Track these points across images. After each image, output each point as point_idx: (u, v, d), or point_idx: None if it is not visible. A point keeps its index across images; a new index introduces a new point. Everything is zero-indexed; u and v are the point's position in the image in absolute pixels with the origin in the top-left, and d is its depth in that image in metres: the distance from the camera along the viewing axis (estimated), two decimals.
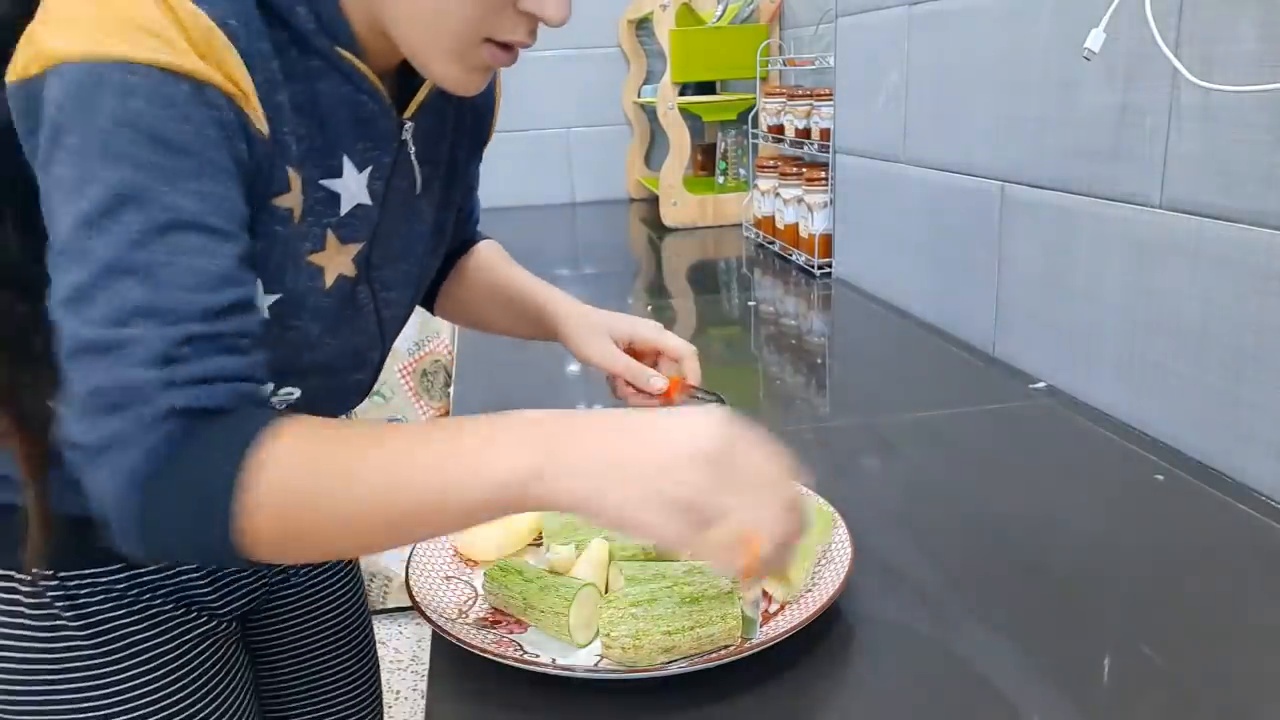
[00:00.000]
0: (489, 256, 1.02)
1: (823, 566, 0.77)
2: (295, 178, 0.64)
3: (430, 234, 0.80)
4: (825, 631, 0.72)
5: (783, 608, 0.73)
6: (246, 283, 0.57)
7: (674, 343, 0.94)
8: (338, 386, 0.79)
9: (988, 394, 1.25)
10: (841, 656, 0.71)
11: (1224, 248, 0.95)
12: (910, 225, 1.62)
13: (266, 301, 0.64)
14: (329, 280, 0.69)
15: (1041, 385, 1.25)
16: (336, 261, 0.69)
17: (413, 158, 0.73)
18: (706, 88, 2.76)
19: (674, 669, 0.67)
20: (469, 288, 1.01)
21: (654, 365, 0.94)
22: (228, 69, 0.56)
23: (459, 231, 0.96)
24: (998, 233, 1.34)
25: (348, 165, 0.67)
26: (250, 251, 0.59)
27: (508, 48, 0.65)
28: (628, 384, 0.93)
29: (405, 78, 0.71)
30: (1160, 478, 0.98)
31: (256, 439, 0.52)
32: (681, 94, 2.61)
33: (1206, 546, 0.86)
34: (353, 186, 0.68)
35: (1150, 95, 1.03)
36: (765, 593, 0.75)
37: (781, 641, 0.68)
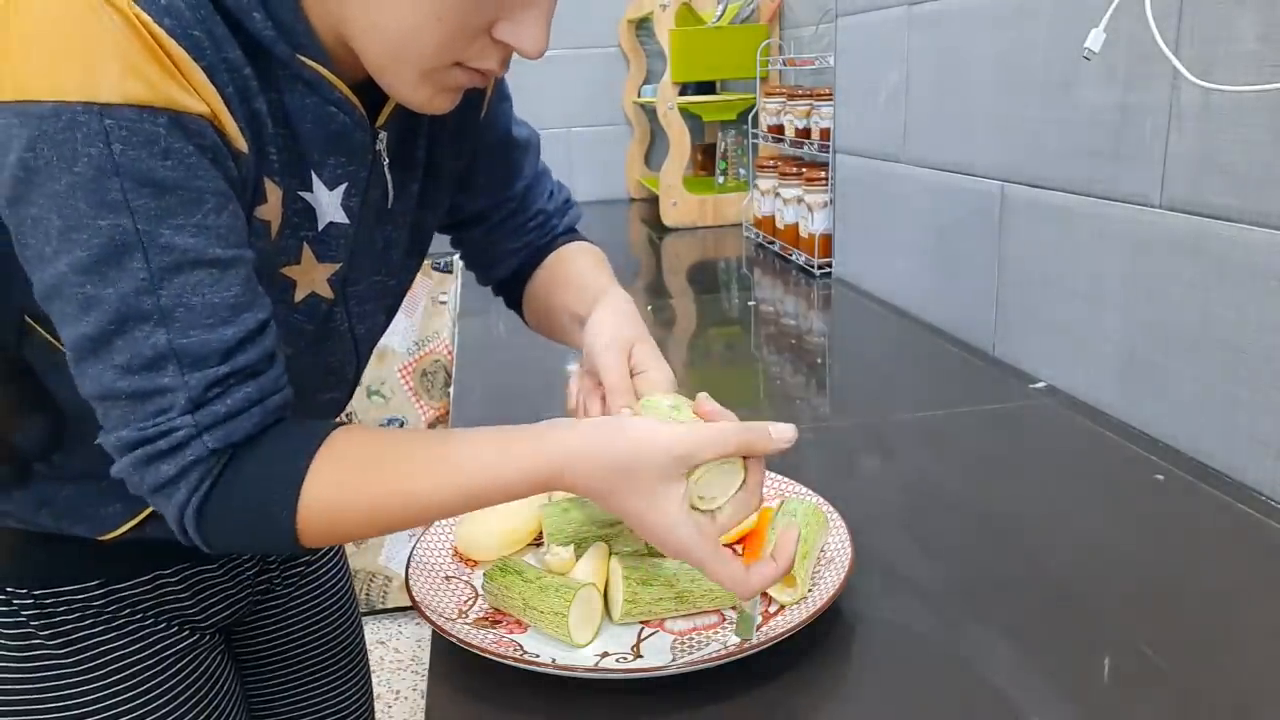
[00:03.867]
0: (563, 258, 0.91)
1: (823, 566, 0.77)
2: (274, 189, 0.62)
3: (407, 238, 0.77)
4: (825, 631, 0.72)
5: (783, 608, 0.73)
6: (257, 303, 0.59)
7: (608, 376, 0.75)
8: (312, 405, 0.77)
9: (988, 394, 1.25)
10: (841, 656, 0.71)
11: (1224, 248, 0.95)
12: (910, 225, 1.62)
13: None
14: (298, 295, 0.67)
15: (1041, 385, 1.25)
16: (310, 277, 0.68)
17: (385, 170, 0.71)
18: (706, 88, 2.76)
19: (674, 669, 0.67)
20: (530, 300, 0.93)
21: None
22: (196, 86, 0.54)
23: (529, 229, 0.90)
24: (998, 233, 1.34)
25: (317, 183, 0.65)
26: (258, 261, 0.60)
27: (479, 71, 0.63)
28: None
29: (375, 85, 0.68)
30: (1160, 478, 0.98)
31: (304, 460, 0.59)
32: (681, 94, 2.61)
33: (1206, 546, 0.86)
34: (325, 204, 0.66)
35: (1150, 95, 1.03)
36: (764, 592, 0.75)
37: (781, 641, 0.68)
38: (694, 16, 2.65)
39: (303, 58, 0.61)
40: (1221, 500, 0.93)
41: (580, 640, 0.70)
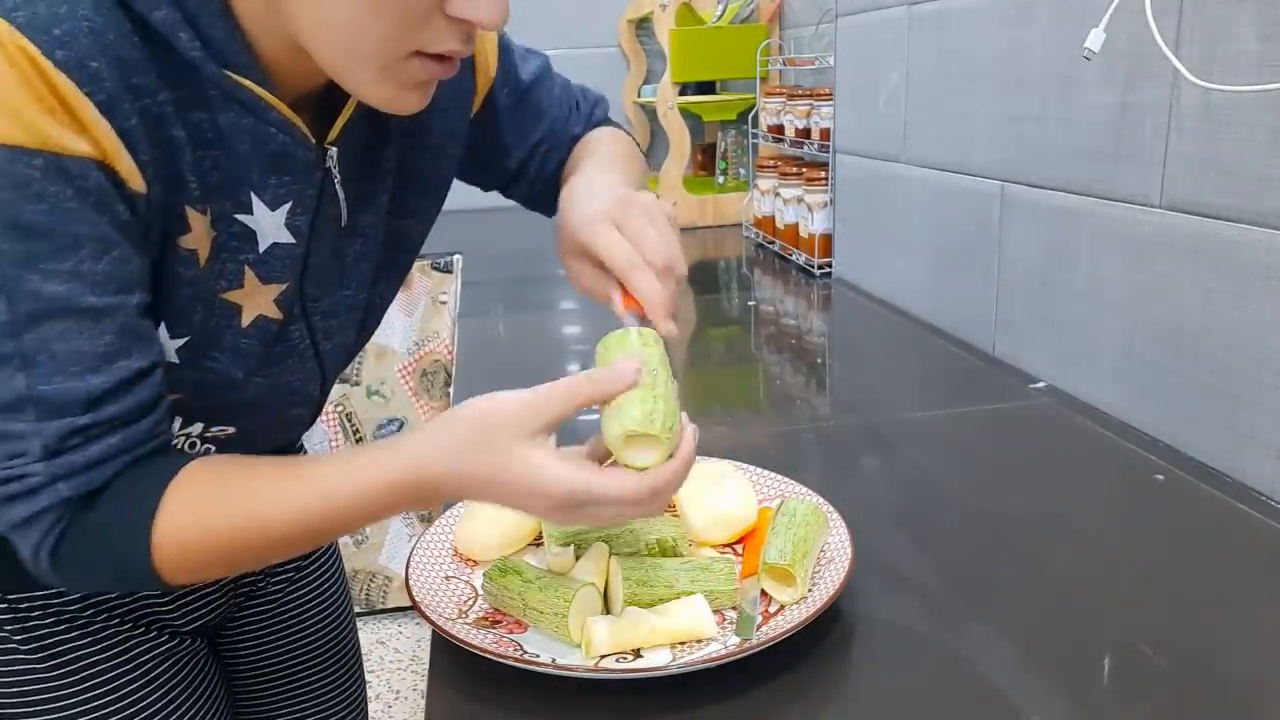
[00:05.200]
0: (574, 153, 0.87)
1: (823, 566, 0.77)
2: (198, 217, 0.60)
3: (380, 250, 0.75)
4: (825, 631, 0.72)
5: (783, 608, 0.73)
6: (136, 351, 0.57)
7: (599, 244, 0.69)
8: (275, 423, 0.76)
9: (988, 394, 1.25)
10: (841, 656, 0.71)
11: (1224, 248, 0.95)
12: (910, 225, 1.62)
13: (174, 345, 0.62)
14: (245, 319, 0.65)
15: (1041, 385, 1.25)
16: (255, 300, 0.65)
17: (337, 185, 0.68)
18: (706, 87, 2.75)
19: (674, 669, 0.67)
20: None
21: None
22: (84, 124, 0.52)
23: (561, 153, 0.87)
24: (998, 233, 1.34)
25: (257, 204, 0.63)
26: (140, 311, 0.58)
27: (442, 59, 0.59)
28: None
29: (329, 97, 0.65)
30: (1160, 478, 0.98)
31: (152, 501, 0.57)
32: (681, 94, 2.61)
33: (1206, 546, 0.86)
34: (267, 225, 0.64)
35: (1150, 95, 1.03)
36: (764, 592, 0.75)
37: (781, 641, 0.68)
38: (694, 16, 2.65)
39: (235, 76, 0.58)
40: (1221, 500, 0.93)
41: (580, 640, 0.70)
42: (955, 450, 1.09)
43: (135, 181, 0.55)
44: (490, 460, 0.58)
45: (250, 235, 0.64)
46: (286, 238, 0.65)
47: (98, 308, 0.54)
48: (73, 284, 0.53)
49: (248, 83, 0.58)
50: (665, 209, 0.70)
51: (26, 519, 0.56)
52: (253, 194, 0.62)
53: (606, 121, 0.91)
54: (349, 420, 2.29)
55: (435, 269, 2.27)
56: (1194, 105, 0.97)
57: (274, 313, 0.67)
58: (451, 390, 1.98)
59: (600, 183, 0.75)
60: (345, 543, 2.33)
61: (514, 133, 0.85)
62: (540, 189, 0.89)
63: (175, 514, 0.57)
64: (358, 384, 2.26)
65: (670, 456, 0.60)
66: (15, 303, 0.52)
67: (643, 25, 2.94)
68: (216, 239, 0.62)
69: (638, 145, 0.92)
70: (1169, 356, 1.04)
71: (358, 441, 2.26)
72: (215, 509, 0.58)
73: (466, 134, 0.81)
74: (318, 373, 0.75)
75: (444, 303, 2.30)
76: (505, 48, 0.83)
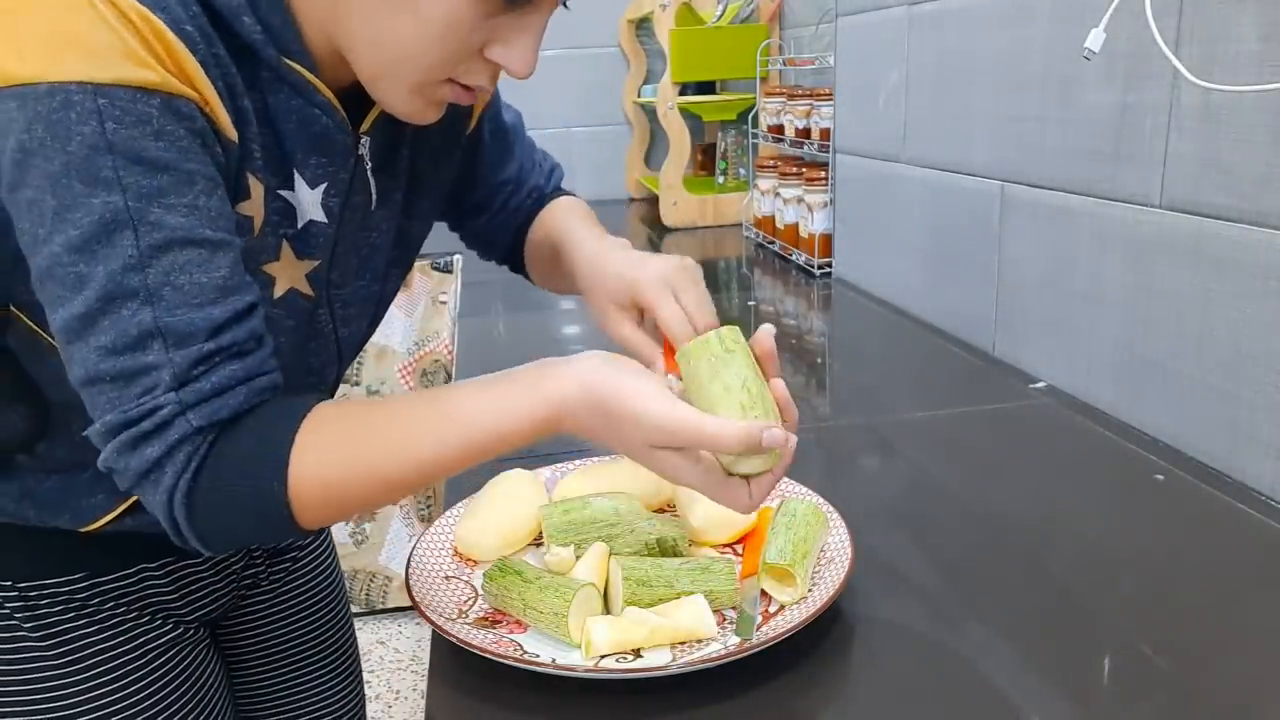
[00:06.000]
0: (550, 212, 0.94)
1: (823, 566, 0.77)
2: (257, 186, 0.63)
3: (391, 246, 0.78)
4: (825, 631, 0.72)
5: (783, 608, 0.73)
6: (245, 287, 0.59)
7: (663, 312, 0.75)
8: None
9: (988, 394, 1.25)
10: (841, 656, 0.71)
11: (1224, 248, 0.95)
12: (910, 225, 1.62)
13: None
14: (278, 291, 0.68)
15: (1041, 385, 1.25)
16: (289, 273, 0.68)
17: (368, 173, 0.71)
18: (706, 87, 2.76)
19: (674, 669, 0.67)
20: (530, 249, 0.96)
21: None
22: (190, 76, 0.55)
23: (527, 205, 0.94)
24: (998, 233, 1.34)
25: (299, 181, 0.66)
26: (241, 254, 0.60)
27: (468, 88, 0.65)
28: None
29: (360, 91, 0.69)
30: (1160, 478, 0.98)
31: (289, 433, 0.58)
32: (681, 94, 2.61)
33: (1206, 546, 0.86)
34: (306, 202, 0.67)
35: (1150, 95, 1.03)
36: (764, 592, 0.75)
37: (781, 641, 0.68)
38: (694, 16, 2.65)
39: (289, 61, 0.62)
40: (1221, 500, 0.93)
41: (580, 640, 0.70)
42: (955, 450, 1.09)
43: (229, 131, 0.59)
44: (621, 447, 0.62)
45: (290, 211, 0.66)
46: (321, 216, 0.68)
47: (213, 240, 0.57)
48: (191, 217, 0.56)
49: (299, 68, 0.62)
50: (700, 272, 0.77)
51: (159, 458, 0.56)
52: (295, 171, 0.66)
53: (561, 191, 0.98)
54: None
55: (435, 269, 2.27)
56: (1194, 105, 0.97)
57: (306, 289, 0.70)
58: None
59: (629, 249, 0.82)
60: (345, 542, 2.33)
61: (486, 166, 0.91)
62: (494, 228, 0.95)
63: (312, 452, 0.58)
64: (358, 384, 2.26)
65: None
66: (141, 236, 0.54)
67: (643, 25, 2.94)
68: (264, 212, 0.65)
69: None
70: (1169, 356, 1.04)
71: None
72: (354, 446, 0.60)
73: (458, 151, 0.85)
74: (335, 357, 0.77)
75: (444, 303, 2.30)
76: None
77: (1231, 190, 0.94)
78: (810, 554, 0.76)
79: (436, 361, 2.35)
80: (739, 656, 0.67)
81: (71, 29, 0.52)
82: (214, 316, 0.56)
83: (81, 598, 0.75)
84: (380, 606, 2.44)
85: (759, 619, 0.72)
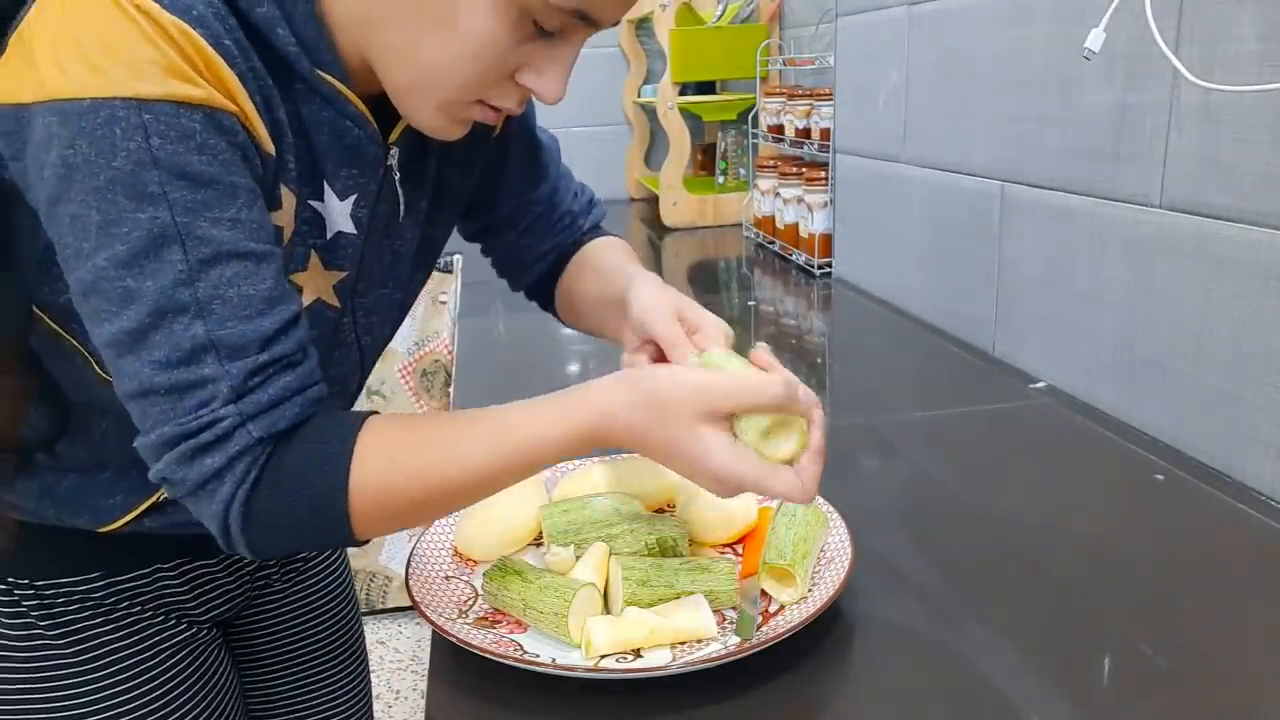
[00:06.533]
0: (594, 251, 0.92)
1: (823, 566, 0.77)
2: (289, 196, 0.63)
3: (415, 253, 0.78)
4: (825, 631, 0.72)
5: (783, 608, 0.73)
6: (289, 297, 0.59)
7: (659, 329, 0.75)
8: None
9: (988, 394, 1.25)
10: (841, 656, 0.71)
11: (1224, 248, 0.95)
12: (910, 225, 1.62)
13: None
14: (305, 300, 0.68)
15: (1041, 385, 1.25)
16: (316, 283, 0.68)
17: (396, 184, 0.71)
18: (706, 87, 2.76)
19: (674, 669, 0.67)
20: (563, 297, 0.93)
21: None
22: (229, 90, 0.56)
23: (558, 230, 0.92)
24: (998, 233, 1.34)
25: (329, 193, 0.66)
26: (284, 264, 0.60)
27: (495, 109, 0.65)
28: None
29: (389, 101, 0.69)
30: (1160, 478, 0.98)
31: (348, 442, 0.59)
32: (681, 94, 2.61)
33: (1206, 546, 0.86)
34: (335, 214, 0.67)
35: (1150, 95, 1.03)
36: (764, 592, 0.75)
37: (781, 641, 0.68)
38: (694, 16, 2.65)
39: (322, 73, 0.62)
40: (1221, 500, 0.93)
41: (580, 640, 0.70)
42: (955, 450, 1.09)
43: (267, 144, 0.59)
44: (666, 435, 0.62)
45: (320, 221, 0.66)
46: (350, 227, 0.68)
47: (258, 252, 0.57)
48: (236, 230, 0.56)
49: (332, 79, 0.62)
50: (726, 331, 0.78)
51: (220, 469, 0.56)
52: (325, 182, 0.65)
53: (602, 230, 0.96)
54: None
55: (436, 269, 2.27)
56: (1194, 105, 0.97)
57: (332, 299, 0.70)
58: (451, 390, 1.98)
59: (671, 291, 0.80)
60: None
61: (515, 178, 0.89)
62: (523, 248, 0.93)
63: (371, 460, 0.59)
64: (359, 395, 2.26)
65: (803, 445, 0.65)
66: (190, 250, 0.54)
67: (643, 25, 2.94)
68: (295, 223, 0.65)
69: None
70: (1169, 356, 1.04)
71: None
72: (411, 454, 0.61)
73: (482, 159, 0.84)
74: (358, 366, 0.77)
75: (444, 303, 2.30)
76: (530, 105, 0.86)
77: (1231, 190, 0.94)
78: (810, 554, 0.76)
79: (436, 361, 2.35)
80: (739, 656, 0.67)
81: (113, 43, 0.52)
82: (264, 328, 0.57)
83: (97, 597, 0.75)
84: (380, 606, 2.44)
85: (759, 619, 0.72)
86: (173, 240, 0.54)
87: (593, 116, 3.02)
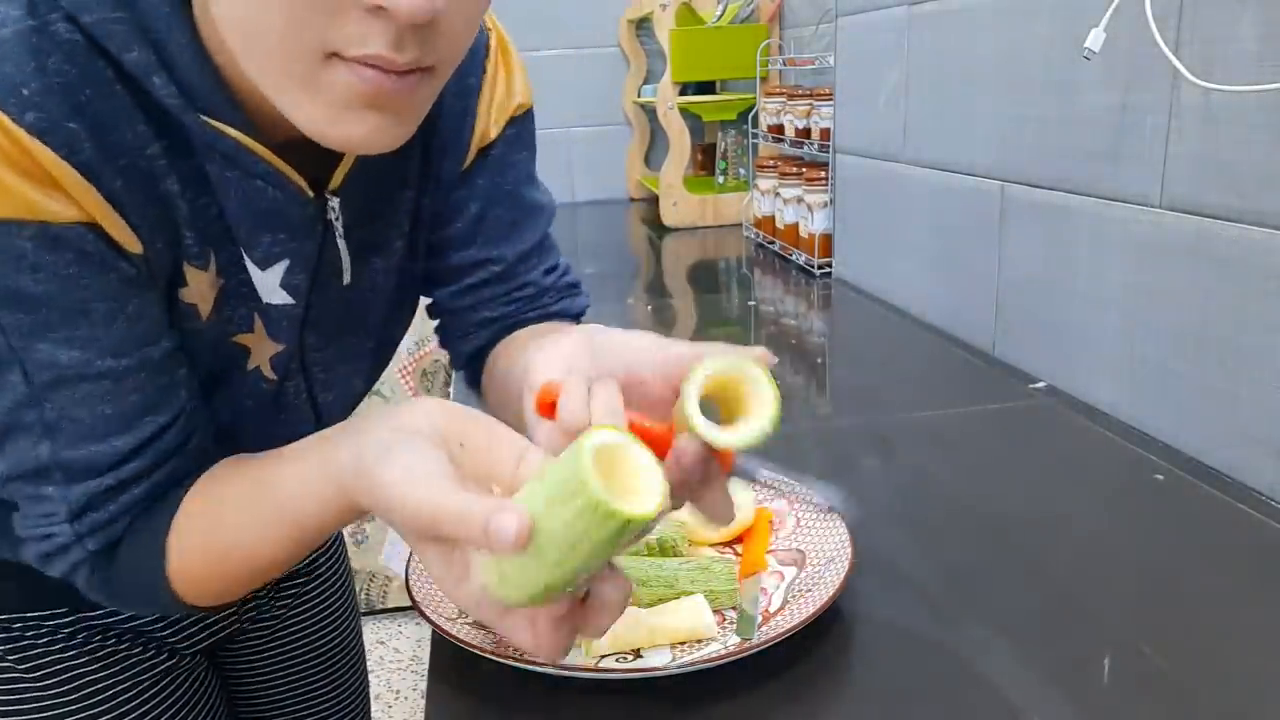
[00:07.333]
0: (547, 324, 0.76)
1: (823, 566, 0.77)
2: (197, 273, 0.57)
3: (392, 292, 0.70)
4: (825, 631, 0.72)
5: (783, 608, 0.73)
6: (160, 407, 0.56)
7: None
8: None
9: (988, 394, 1.25)
10: (841, 656, 0.71)
11: (1224, 248, 0.95)
12: (910, 225, 1.62)
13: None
14: (251, 364, 0.63)
15: (1041, 385, 1.25)
16: (263, 347, 0.63)
17: (339, 240, 0.62)
18: (706, 87, 2.75)
19: (674, 669, 0.67)
20: (495, 356, 0.76)
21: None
22: (70, 190, 0.49)
23: (514, 300, 0.76)
24: (998, 233, 1.34)
25: (249, 263, 0.59)
26: (165, 358, 0.56)
27: (373, 68, 0.47)
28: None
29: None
30: (1160, 478, 0.98)
31: (162, 537, 0.57)
32: (681, 94, 2.61)
33: (1206, 546, 0.86)
34: (262, 285, 0.60)
35: (1150, 95, 1.03)
36: (764, 590, 0.75)
37: (781, 641, 0.68)
38: (694, 16, 2.65)
39: (215, 123, 0.52)
40: (1221, 500, 0.93)
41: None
42: (955, 450, 1.09)
43: (131, 244, 0.53)
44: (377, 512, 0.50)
45: (254, 288, 0.61)
46: (284, 299, 0.61)
47: (116, 370, 0.53)
48: (88, 350, 0.52)
49: (230, 130, 0.53)
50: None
51: (67, 571, 0.58)
52: (243, 252, 0.58)
53: (574, 320, 0.79)
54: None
55: None
56: (1194, 105, 0.97)
57: (269, 373, 0.65)
58: (451, 390, 1.98)
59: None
60: (345, 543, 2.33)
61: (472, 229, 0.73)
62: (454, 313, 0.77)
63: (180, 551, 0.58)
64: None
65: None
66: (31, 374, 0.52)
67: (643, 25, 2.94)
68: (225, 286, 0.59)
69: None
70: (1169, 356, 1.04)
71: None
72: (214, 540, 0.58)
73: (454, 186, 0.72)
74: (313, 424, 0.70)
75: None
76: (521, 145, 0.75)
77: (1231, 190, 0.94)
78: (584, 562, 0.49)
79: (436, 361, 2.35)
80: (739, 656, 0.67)
81: None
82: (117, 448, 0.55)
83: (67, 630, 0.73)
84: (380, 606, 2.44)
85: (759, 619, 0.72)
86: (11, 365, 0.51)
87: (592, 116, 3.02)
